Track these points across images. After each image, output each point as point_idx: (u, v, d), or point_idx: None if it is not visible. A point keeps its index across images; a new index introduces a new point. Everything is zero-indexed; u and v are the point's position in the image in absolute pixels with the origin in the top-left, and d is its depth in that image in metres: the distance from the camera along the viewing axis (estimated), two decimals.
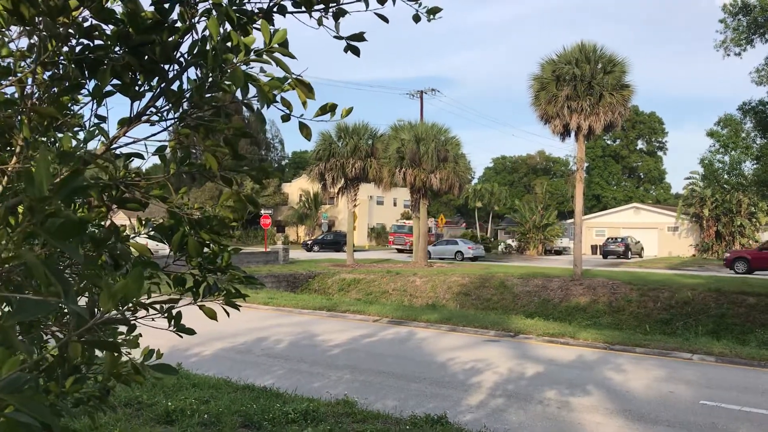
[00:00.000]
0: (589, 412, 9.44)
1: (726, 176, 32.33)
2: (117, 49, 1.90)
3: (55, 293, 1.07)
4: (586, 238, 52.66)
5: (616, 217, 59.77)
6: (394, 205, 75.21)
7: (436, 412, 8.38)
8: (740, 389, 11.16)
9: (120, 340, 2.53)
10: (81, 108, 2.23)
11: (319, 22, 2.32)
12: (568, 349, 14.55)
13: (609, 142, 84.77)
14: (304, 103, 2.20)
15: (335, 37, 2.38)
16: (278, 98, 2.25)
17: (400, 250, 55.16)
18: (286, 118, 2.34)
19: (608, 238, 52.88)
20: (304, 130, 2.37)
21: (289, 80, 2.23)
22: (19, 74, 1.95)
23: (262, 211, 47.78)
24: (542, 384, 11.02)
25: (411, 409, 8.67)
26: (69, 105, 2.13)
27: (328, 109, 2.31)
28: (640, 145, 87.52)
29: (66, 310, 1.76)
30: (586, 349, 14.47)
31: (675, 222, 53.92)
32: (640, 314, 25.21)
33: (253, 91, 2.18)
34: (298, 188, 69.30)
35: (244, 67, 2.12)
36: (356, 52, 2.44)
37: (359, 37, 2.40)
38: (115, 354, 2.19)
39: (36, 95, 2.15)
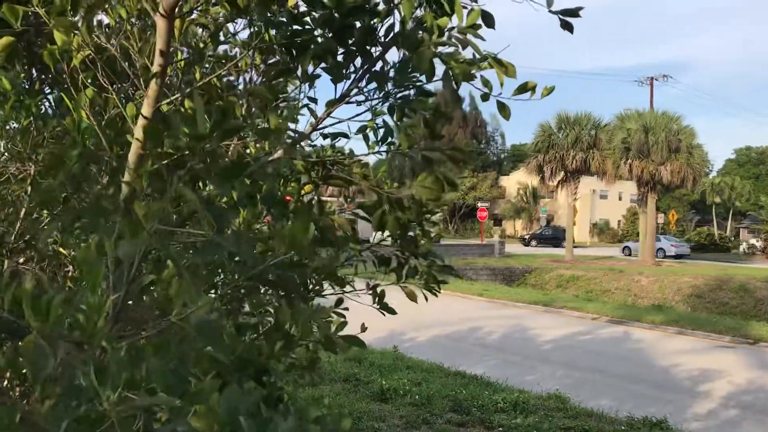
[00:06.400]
0: None
1: None
2: (321, 32, 2.02)
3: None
4: None
5: None
6: (620, 199, 71.09)
7: (656, 416, 7.84)
8: None
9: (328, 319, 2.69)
10: (294, 90, 2.40)
11: None
12: None
13: None
14: (501, 84, 2.18)
15: (549, 11, 2.30)
16: (478, 77, 2.25)
17: None
18: (485, 98, 2.34)
19: None
20: (504, 110, 2.35)
21: (488, 60, 2.22)
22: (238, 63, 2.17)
23: (479, 204, 48.04)
24: None
25: (628, 411, 8.18)
26: (282, 88, 2.31)
27: (528, 88, 2.26)
28: None
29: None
30: None
31: None
32: None
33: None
34: (515, 181, 68.48)
35: (440, 49, 2.14)
36: (569, 28, 2.34)
37: (574, 12, 2.31)
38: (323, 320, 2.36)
39: (256, 81, 2.37)
